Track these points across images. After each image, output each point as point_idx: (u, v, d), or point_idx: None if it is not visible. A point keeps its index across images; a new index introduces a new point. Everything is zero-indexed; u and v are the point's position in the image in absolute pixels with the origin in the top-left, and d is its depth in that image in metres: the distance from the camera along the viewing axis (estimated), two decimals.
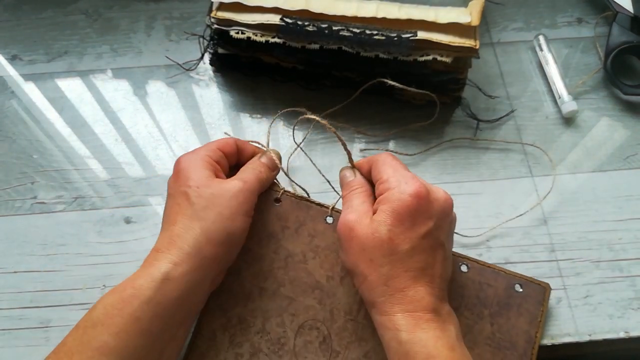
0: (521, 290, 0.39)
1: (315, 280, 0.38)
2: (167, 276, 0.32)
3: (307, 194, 0.42)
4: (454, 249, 0.39)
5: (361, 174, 0.39)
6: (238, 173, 0.39)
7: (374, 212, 0.34)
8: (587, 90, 0.51)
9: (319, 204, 0.40)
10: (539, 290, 0.39)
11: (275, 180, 0.41)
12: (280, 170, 0.41)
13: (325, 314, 0.38)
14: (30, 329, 0.40)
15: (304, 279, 0.38)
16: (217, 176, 0.37)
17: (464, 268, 0.39)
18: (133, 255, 0.43)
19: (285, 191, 0.40)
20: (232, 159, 0.40)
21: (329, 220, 0.39)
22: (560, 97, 0.50)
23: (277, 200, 0.40)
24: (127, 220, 0.44)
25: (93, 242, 0.44)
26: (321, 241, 0.39)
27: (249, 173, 0.38)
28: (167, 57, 0.52)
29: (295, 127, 0.48)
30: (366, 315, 0.37)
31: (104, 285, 0.42)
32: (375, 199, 0.36)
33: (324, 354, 0.37)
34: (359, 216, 0.34)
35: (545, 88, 0.51)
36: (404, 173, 0.35)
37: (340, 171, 0.39)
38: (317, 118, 0.38)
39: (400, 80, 0.47)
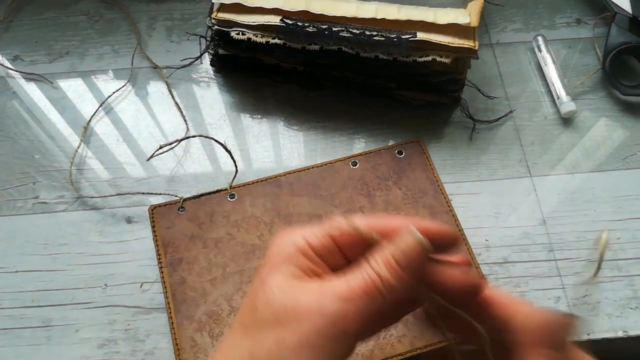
0: (403, 154, 0.46)
1: (251, 244, 0.41)
2: None
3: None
4: None
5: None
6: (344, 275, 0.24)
7: None
8: (585, 90, 0.52)
9: (216, 191, 0.44)
10: (416, 146, 0.46)
11: (176, 197, 0.42)
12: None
13: None
14: (31, 328, 0.41)
15: (241, 250, 0.41)
16: (311, 276, 0.25)
17: (354, 165, 0.45)
18: (134, 254, 0.43)
19: (184, 199, 0.43)
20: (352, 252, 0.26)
21: (230, 198, 0.43)
22: (559, 98, 0.50)
23: (181, 208, 0.43)
24: (129, 220, 0.45)
25: (94, 241, 0.44)
26: (236, 215, 0.42)
27: (357, 280, 0.24)
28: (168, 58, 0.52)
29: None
30: None
31: (105, 285, 0.42)
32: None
33: None
34: None
35: (544, 89, 0.52)
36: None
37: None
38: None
39: (400, 80, 0.48)
